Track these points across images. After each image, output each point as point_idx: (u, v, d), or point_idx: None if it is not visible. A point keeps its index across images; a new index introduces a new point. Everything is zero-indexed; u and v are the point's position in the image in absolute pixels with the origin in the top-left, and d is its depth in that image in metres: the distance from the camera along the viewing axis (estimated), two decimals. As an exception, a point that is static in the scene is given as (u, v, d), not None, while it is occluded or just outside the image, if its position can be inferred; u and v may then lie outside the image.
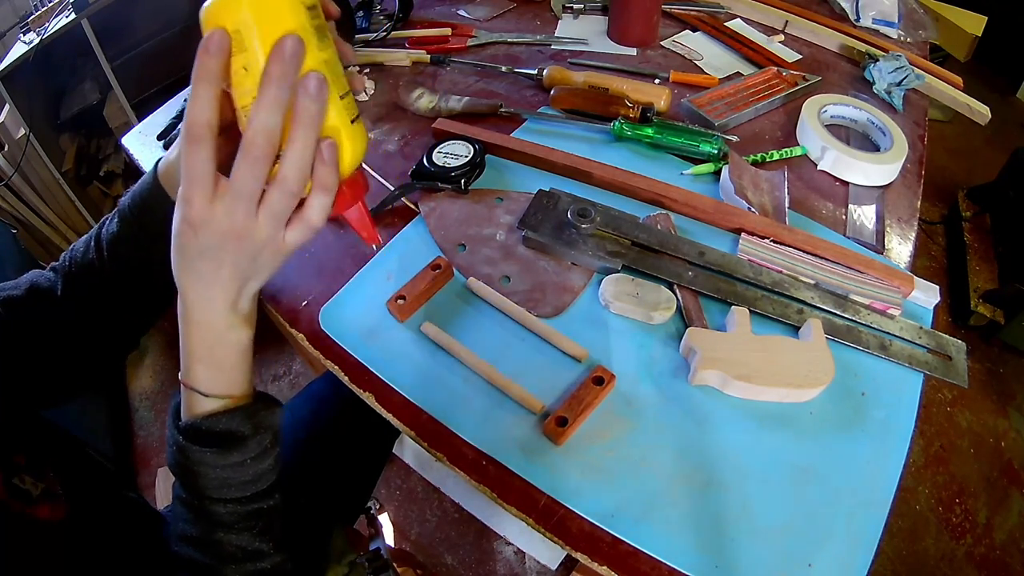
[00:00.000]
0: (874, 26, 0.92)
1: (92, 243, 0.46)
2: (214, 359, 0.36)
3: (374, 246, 0.42)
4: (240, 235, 0.32)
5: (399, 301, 0.51)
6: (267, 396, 0.39)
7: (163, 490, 0.80)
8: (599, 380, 0.46)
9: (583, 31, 0.89)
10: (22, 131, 1.37)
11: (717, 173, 0.64)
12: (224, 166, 0.32)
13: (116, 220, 0.46)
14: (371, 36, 0.84)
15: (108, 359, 0.51)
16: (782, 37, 0.89)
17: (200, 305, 0.35)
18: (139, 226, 0.45)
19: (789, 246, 0.56)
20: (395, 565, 0.71)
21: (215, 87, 0.30)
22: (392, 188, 0.62)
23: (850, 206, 0.64)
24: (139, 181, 0.47)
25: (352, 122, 0.35)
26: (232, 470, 0.36)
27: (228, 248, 0.33)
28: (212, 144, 0.31)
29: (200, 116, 0.30)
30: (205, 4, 0.32)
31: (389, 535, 0.91)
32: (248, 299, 0.36)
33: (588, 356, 0.48)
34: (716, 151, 0.65)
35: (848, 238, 0.60)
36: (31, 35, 1.30)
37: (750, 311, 0.50)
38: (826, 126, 0.69)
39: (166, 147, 0.70)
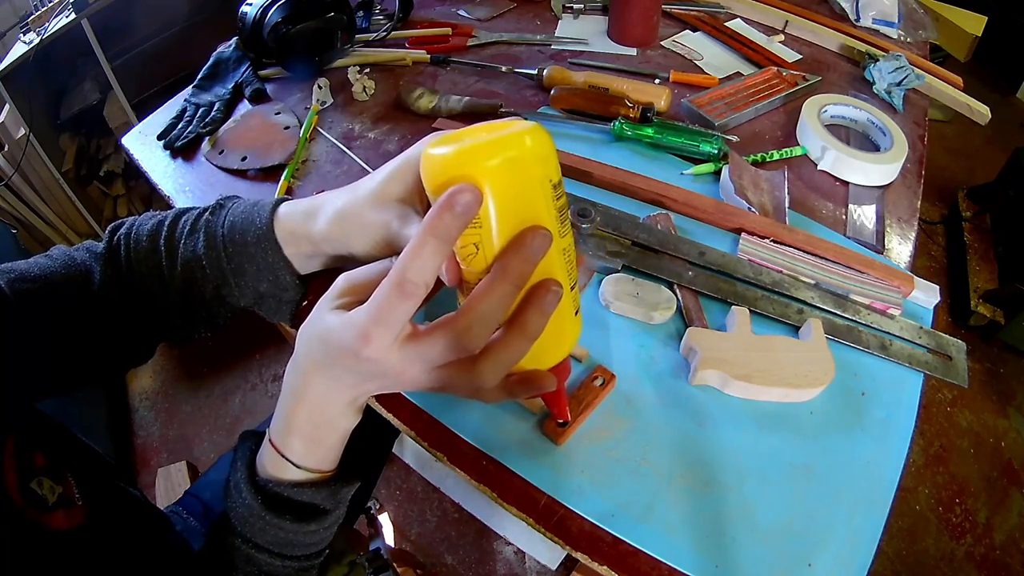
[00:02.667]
0: (874, 26, 0.92)
1: (162, 247, 0.43)
2: (315, 437, 0.35)
3: (562, 421, 0.41)
4: (402, 378, 0.31)
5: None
6: (348, 469, 0.38)
7: (163, 490, 0.80)
8: (599, 380, 0.46)
9: (583, 31, 0.89)
10: (22, 131, 1.37)
11: (717, 173, 0.64)
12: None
13: (203, 240, 0.43)
14: (371, 36, 0.84)
15: (126, 361, 0.48)
16: (782, 37, 0.89)
17: (321, 394, 0.33)
18: (228, 259, 0.42)
19: (789, 246, 0.56)
20: (395, 565, 0.72)
21: (447, 249, 0.27)
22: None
23: (850, 206, 0.64)
24: (244, 210, 0.43)
25: (575, 314, 0.33)
26: (303, 536, 0.36)
27: (381, 379, 0.31)
28: (420, 301, 0.28)
29: (420, 276, 0.27)
30: (437, 150, 0.28)
31: (389, 535, 0.91)
32: (368, 397, 0.35)
33: (588, 356, 0.48)
34: (716, 151, 0.65)
35: (848, 238, 0.60)
36: (31, 35, 1.30)
37: (750, 311, 0.50)
38: (826, 126, 0.69)
39: (166, 147, 0.70)
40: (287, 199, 0.44)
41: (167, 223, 0.44)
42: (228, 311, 0.45)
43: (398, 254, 0.28)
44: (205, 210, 0.45)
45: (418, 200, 0.37)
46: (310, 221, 0.41)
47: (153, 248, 0.44)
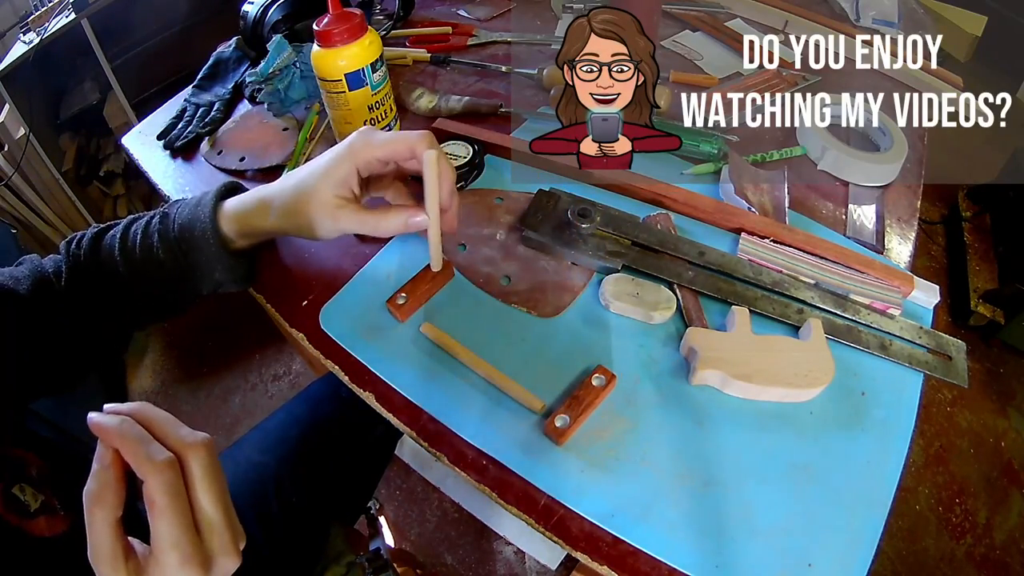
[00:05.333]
0: (874, 26, 0.92)
1: (117, 247, 0.48)
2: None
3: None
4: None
5: (399, 301, 0.51)
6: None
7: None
8: (599, 380, 0.46)
9: (583, 31, 0.89)
10: (22, 131, 1.37)
11: (717, 173, 0.64)
12: None
13: (160, 248, 0.48)
14: (371, 36, 0.84)
15: (104, 354, 0.51)
16: (782, 37, 0.89)
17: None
18: (184, 256, 0.48)
19: (789, 246, 0.56)
20: (395, 565, 0.71)
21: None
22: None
23: (850, 206, 0.64)
24: (191, 212, 0.48)
25: None
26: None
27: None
28: None
29: None
30: None
31: (389, 535, 0.91)
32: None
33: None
34: (716, 151, 0.65)
35: (848, 238, 0.60)
36: (31, 35, 1.30)
37: (750, 311, 0.50)
38: (826, 126, 0.69)
39: (166, 147, 0.70)
40: (235, 189, 0.51)
41: (119, 234, 0.49)
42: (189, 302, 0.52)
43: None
44: (153, 216, 0.50)
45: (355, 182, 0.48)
46: (259, 220, 0.48)
47: (110, 254, 0.48)
